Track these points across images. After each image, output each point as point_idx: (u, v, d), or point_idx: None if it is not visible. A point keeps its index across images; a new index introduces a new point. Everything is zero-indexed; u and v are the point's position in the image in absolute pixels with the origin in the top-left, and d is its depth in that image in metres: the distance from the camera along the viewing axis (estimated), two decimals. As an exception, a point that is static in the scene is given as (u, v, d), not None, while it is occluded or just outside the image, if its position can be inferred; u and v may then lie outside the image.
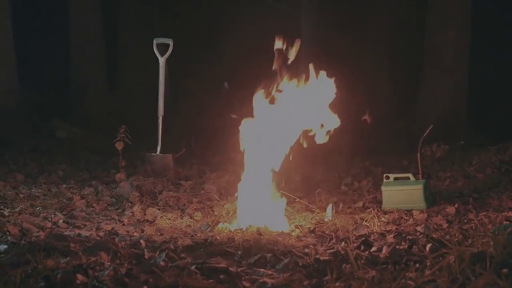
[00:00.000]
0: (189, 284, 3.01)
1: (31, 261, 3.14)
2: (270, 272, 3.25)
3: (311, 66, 4.65)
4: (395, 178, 5.41)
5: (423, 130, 5.58)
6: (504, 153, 7.23)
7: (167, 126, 6.74)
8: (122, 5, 13.12)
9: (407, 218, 4.85)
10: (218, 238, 4.04)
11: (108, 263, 3.22)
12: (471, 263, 3.08)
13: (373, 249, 3.70)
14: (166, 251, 3.50)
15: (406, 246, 3.74)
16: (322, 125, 4.63)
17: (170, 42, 6.80)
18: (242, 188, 4.58)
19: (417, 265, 3.24)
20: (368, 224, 4.58)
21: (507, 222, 4.41)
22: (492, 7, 11.98)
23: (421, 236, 4.04)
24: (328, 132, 4.66)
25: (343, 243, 3.91)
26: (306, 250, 3.66)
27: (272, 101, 4.62)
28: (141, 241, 3.90)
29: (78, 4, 12.24)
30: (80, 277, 3.00)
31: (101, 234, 4.26)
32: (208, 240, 3.94)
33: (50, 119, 10.75)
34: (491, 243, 3.37)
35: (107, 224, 4.63)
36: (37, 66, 12.87)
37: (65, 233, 4.16)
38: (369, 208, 5.24)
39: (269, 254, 3.49)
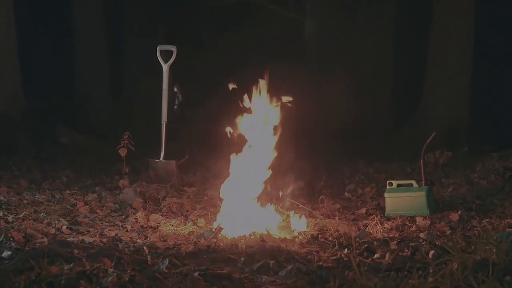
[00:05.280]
0: (192, 291, 3.02)
1: (34, 268, 3.14)
2: (273, 279, 3.25)
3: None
4: (398, 185, 5.41)
5: (426, 136, 5.58)
6: (507, 160, 7.22)
7: (170, 133, 6.74)
8: (127, 12, 13.17)
9: (410, 224, 4.85)
10: (221, 244, 4.05)
11: (112, 270, 3.23)
12: (474, 270, 3.08)
13: (376, 256, 3.70)
14: (169, 258, 3.51)
15: (409, 253, 3.74)
16: None
17: (173, 49, 6.80)
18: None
19: (420, 272, 3.24)
20: (371, 231, 4.59)
21: (510, 229, 4.40)
22: (496, 14, 11.99)
23: (424, 243, 4.04)
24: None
25: (346, 249, 3.91)
26: (309, 257, 3.66)
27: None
28: (145, 247, 3.90)
29: (82, 10, 12.30)
30: (83, 283, 3.01)
31: (105, 240, 4.27)
32: (211, 247, 3.95)
33: (54, 125, 10.76)
34: (494, 250, 3.37)
35: (110, 230, 4.64)
36: (41, 72, 12.90)
37: (69, 239, 4.17)
38: (372, 214, 5.24)
39: (272, 261, 3.50)
